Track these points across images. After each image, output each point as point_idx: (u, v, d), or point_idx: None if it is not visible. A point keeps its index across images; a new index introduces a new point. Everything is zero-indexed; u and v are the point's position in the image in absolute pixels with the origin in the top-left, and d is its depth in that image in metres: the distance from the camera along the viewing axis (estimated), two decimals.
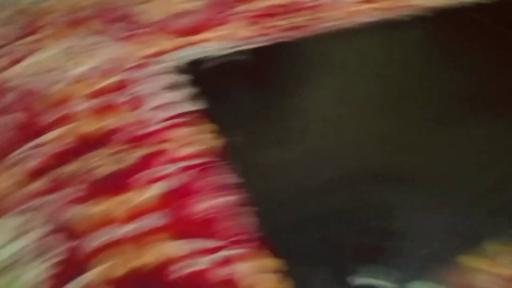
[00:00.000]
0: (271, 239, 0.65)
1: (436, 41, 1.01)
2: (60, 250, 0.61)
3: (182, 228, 0.66)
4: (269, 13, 1.04)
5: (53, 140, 0.72)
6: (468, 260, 0.62)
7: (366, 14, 1.03)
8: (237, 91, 0.86)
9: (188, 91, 0.82)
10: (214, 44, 0.94)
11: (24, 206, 0.65)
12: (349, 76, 0.92)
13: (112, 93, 0.82)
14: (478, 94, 0.88)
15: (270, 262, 0.63)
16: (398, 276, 0.62)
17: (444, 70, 0.94)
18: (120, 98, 0.80)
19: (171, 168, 0.71)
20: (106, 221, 0.65)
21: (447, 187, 0.72)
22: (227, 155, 0.73)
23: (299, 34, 0.98)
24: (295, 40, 0.96)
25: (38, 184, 0.67)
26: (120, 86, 0.83)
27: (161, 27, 1.00)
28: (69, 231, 0.63)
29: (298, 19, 1.01)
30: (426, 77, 0.93)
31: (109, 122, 0.77)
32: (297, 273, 0.61)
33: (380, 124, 0.82)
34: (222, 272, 0.62)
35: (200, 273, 0.62)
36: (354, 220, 0.68)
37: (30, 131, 0.74)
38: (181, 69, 0.87)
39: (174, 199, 0.68)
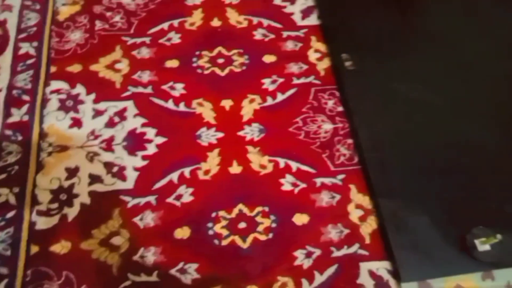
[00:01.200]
0: (373, 176, 0.61)
1: None
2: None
3: (278, 146, 0.64)
4: None
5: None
6: None
7: None
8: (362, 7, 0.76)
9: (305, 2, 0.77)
10: None
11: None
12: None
13: None
14: None
15: (365, 199, 0.61)
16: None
17: None
18: None
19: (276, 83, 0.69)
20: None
21: None
22: (338, 79, 0.69)
23: None
24: None
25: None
26: None
27: None
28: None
29: None
30: None
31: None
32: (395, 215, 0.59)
33: None
34: (316, 198, 0.61)
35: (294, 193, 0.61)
36: (475, 181, 0.62)
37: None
38: None
39: (277, 116, 0.67)
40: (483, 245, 0.56)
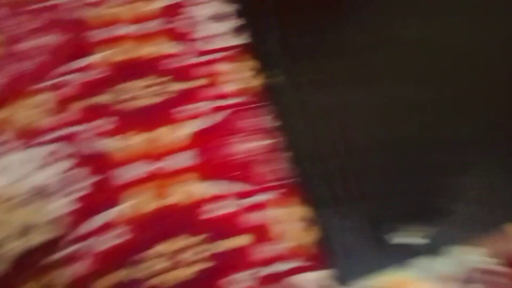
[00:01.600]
0: (305, 187, 0.62)
1: None
2: (86, 183, 0.60)
3: (213, 169, 0.63)
4: None
5: (87, 67, 0.69)
6: None
7: None
8: (287, 24, 0.76)
9: (234, 22, 0.76)
10: None
11: (53, 135, 0.63)
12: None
13: (156, 19, 0.77)
14: None
15: (301, 210, 0.60)
16: (436, 238, 0.58)
17: None
18: (163, 25, 0.75)
19: (207, 106, 0.67)
20: (135, 157, 0.63)
21: (502, 154, 0.66)
22: (268, 96, 0.69)
23: None
24: None
25: (69, 113, 0.65)
26: (165, 13, 0.78)
27: None
28: (97, 164, 0.61)
29: None
30: None
31: (149, 50, 0.73)
32: (328, 223, 0.60)
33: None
34: (253, 217, 0.60)
35: (230, 216, 0.60)
36: (399, 178, 0.64)
37: (65, 54, 0.71)
38: None
39: (207, 139, 0.65)
40: (407, 238, 0.59)
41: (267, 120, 0.67)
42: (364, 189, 0.62)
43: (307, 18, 0.76)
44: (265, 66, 0.70)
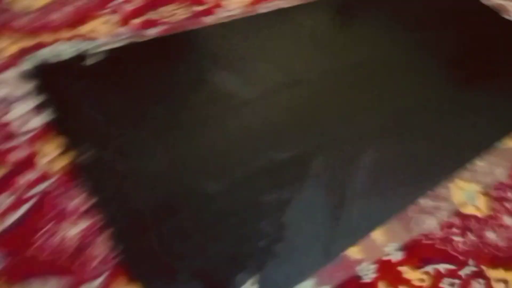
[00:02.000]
0: (131, 264, 0.58)
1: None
2: None
3: (24, 270, 0.57)
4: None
5: None
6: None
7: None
8: (91, 97, 0.74)
9: (37, 99, 0.72)
10: (73, 43, 0.83)
11: None
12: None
13: None
14: None
15: None
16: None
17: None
18: None
19: (12, 198, 0.62)
20: None
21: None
22: (79, 173, 0.65)
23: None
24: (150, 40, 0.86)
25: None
26: None
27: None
28: None
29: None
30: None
31: None
32: None
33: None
34: None
35: None
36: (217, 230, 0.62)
37: None
38: (30, 74, 0.76)
39: (16, 237, 0.59)
40: None
41: (83, 199, 0.63)
42: (189, 251, 0.60)
43: (110, 89, 0.75)
44: (73, 141, 0.67)
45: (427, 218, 0.64)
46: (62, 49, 0.80)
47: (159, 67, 0.80)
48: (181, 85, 0.78)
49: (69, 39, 0.83)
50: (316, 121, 0.75)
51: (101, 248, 0.59)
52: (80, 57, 0.79)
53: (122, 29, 0.86)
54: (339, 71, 0.82)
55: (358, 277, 0.59)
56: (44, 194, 0.63)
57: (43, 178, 0.64)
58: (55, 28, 0.86)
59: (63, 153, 0.67)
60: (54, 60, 0.78)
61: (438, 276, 0.59)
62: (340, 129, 0.73)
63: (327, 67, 0.83)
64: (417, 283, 0.58)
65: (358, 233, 0.62)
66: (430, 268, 0.60)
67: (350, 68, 0.83)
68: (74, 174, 0.65)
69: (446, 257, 0.61)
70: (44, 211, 0.61)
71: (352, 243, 0.61)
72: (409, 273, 0.59)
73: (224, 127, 0.72)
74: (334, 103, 0.78)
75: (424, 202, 0.66)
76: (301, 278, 0.58)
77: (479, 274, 0.60)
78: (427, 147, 0.72)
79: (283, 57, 0.84)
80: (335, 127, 0.74)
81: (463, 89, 0.81)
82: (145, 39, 0.85)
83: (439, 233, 0.63)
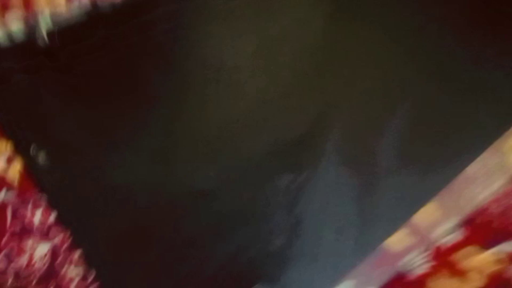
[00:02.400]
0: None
1: None
2: None
3: None
4: None
5: None
6: None
7: None
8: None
9: None
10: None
11: None
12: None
13: None
14: None
15: None
16: None
17: None
18: None
19: None
20: None
21: None
22: (37, 182, 0.51)
23: None
24: None
25: None
26: None
27: None
28: None
29: None
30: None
31: None
32: None
33: None
34: None
35: None
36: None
37: None
38: None
39: None
40: None
41: (42, 213, 0.50)
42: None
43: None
44: (24, 145, 0.53)
45: (480, 189, 0.51)
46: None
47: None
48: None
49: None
50: (329, 79, 0.56)
51: (77, 269, 0.47)
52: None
53: None
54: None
55: (406, 272, 0.46)
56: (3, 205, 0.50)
57: None
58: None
59: (18, 155, 0.53)
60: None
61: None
62: (359, 87, 0.56)
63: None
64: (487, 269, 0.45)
65: (396, 219, 0.49)
66: (496, 250, 0.47)
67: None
68: (35, 179, 0.52)
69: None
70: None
71: (390, 231, 0.49)
72: (473, 259, 0.46)
73: (213, 106, 0.57)
74: (349, 52, 0.57)
75: (474, 169, 0.52)
76: (331, 283, 0.46)
77: None
78: (476, 102, 0.55)
79: None
80: (352, 84, 0.56)
81: None
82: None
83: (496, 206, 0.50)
